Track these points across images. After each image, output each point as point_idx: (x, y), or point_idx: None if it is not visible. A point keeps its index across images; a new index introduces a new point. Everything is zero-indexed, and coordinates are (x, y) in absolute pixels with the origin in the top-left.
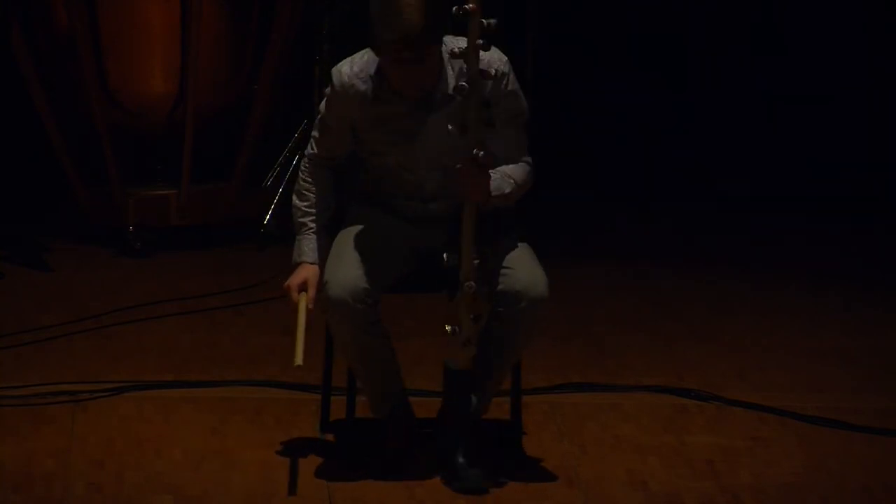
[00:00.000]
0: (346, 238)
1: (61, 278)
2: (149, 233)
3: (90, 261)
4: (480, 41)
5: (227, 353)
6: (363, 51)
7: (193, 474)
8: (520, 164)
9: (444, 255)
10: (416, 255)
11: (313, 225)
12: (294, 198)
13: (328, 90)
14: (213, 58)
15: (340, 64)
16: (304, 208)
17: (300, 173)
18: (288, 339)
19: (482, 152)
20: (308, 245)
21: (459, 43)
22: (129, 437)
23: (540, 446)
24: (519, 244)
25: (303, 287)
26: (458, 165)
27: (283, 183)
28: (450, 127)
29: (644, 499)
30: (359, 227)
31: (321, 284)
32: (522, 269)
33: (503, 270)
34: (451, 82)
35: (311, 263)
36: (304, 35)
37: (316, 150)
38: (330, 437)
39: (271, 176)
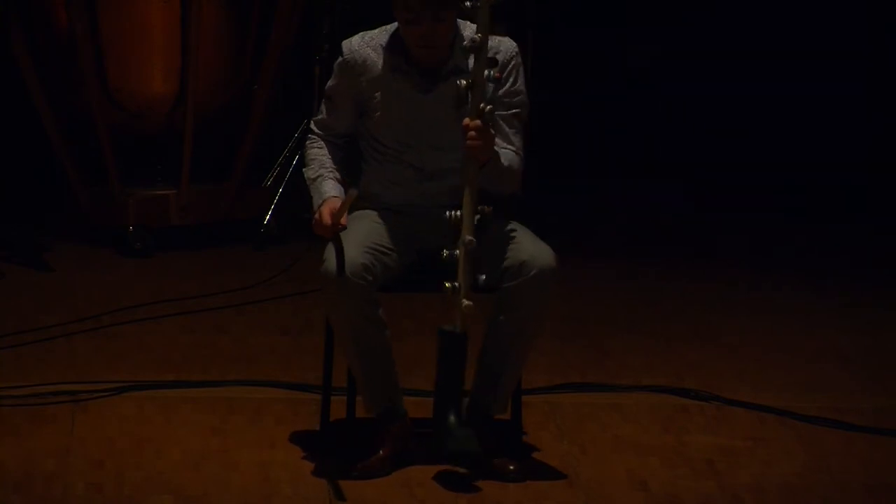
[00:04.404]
0: (347, 227)
1: (61, 278)
2: (149, 233)
3: (90, 261)
4: None
5: (227, 353)
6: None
7: (193, 474)
8: (511, 152)
9: (444, 252)
10: (412, 250)
11: (329, 174)
12: (304, 171)
13: (336, 63)
14: (213, 58)
15: (351, 37)
16: (314, 167)
17: (305, 150)
18: (287, 339)
19: (489, 106)
20: (328, 185)
21: (471, 28)
22: (129, 437)
23: (540, 446)
24: (512, 223)
25: (332, 212)
26: (466, 119)
27: (283, 183)
28: (460, 82)
29: (644, 499)
30: (359, 220)
31: (321, 264)
32: (526, 241)
33: (505, 247)
34: (460, 63)
35: (335, 196)
36: (304, 35)
37: (319, 129)
38: (330, 437)
39: (271, 176)
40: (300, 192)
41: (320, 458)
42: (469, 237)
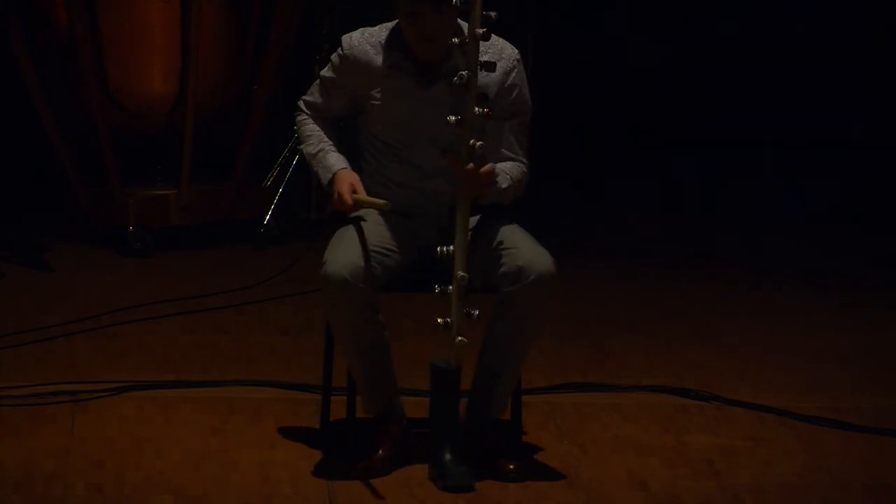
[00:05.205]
0: (346, 229)
1: (61, 278)
2: (149, 233)
3: (90, 261)
4: (481, 31)
5: (227, 353)
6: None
7: (193, 474)
8: (516, 163)
9: (438, 249)
10: (413, 249)
11: (331, 147)
12: (301, 147)
13: (334, 55)
14: (213, 58)
15: (351, 32)
16: (313, 142)
17: (298, 126)
18: (287, 339)
19: (479, 143)
20: (332, 158)
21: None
22: (129, 437)
23: (540, 446)
24: (512, 224)
25: (352, 189)
26: (454, 156)
27: (283, 183)
28: (450, 118)
29: (644, 499)
30: (358, 221)
31: (321, 266)
32: (524, 246)
33: (504, 251)
34: (459, 62)
35: (344, 168)
36: (304, 35)
37: (309, 110)
38: (330, 437)
39: (271, 176)
40: (300, 192)
41: (320, 458)
42: (461, 273)
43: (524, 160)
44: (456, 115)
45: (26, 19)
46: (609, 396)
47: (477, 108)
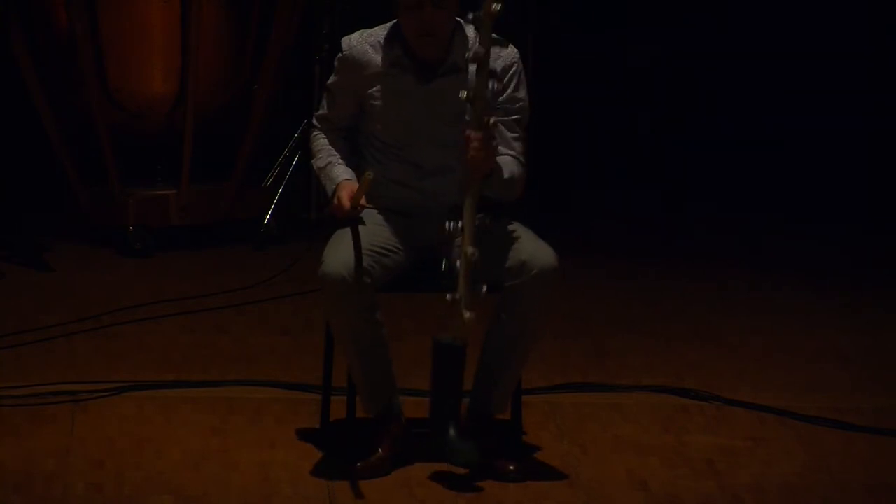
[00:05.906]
0: (344, 230)
1: (61, 278)
2: (149, 233)
3: (90, 261)
4: (497, 6)
5: (227, 353)
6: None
7: (193, 474)
8: (514, 160)
9: (446, 224)
10: (413, 250)
11: (338, 161)
12: (312, 162)
13: (336, 60)
14: (213, 58)
15: (350, 34)
16: (322, 156)
17: (310, 142)
18: (287, 339)
19: (493, 118)
20: (338, 170)
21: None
22: (129, 437)
23: (540, 446)
24: (514, 222)
25: (350, 196)
26: (467, 131)
27: (283, 183)
28: (462, 93)
29: (644, 499)
30: (356, 222)
31: (320, 266)
32: (527, 241)
33: (507, 246)
34: (459, 59)
35: (348, 180)
36: (304, 35)
37: (320, 124)
38: (330, 437)
39: (271, 176)
40: (300, 192)
41: (320, 458)
42: (471, 249)
43: (522, 160)
44: (468, 91)
45: (26, 19)
46: (609, 396)
47: (491, 83)
